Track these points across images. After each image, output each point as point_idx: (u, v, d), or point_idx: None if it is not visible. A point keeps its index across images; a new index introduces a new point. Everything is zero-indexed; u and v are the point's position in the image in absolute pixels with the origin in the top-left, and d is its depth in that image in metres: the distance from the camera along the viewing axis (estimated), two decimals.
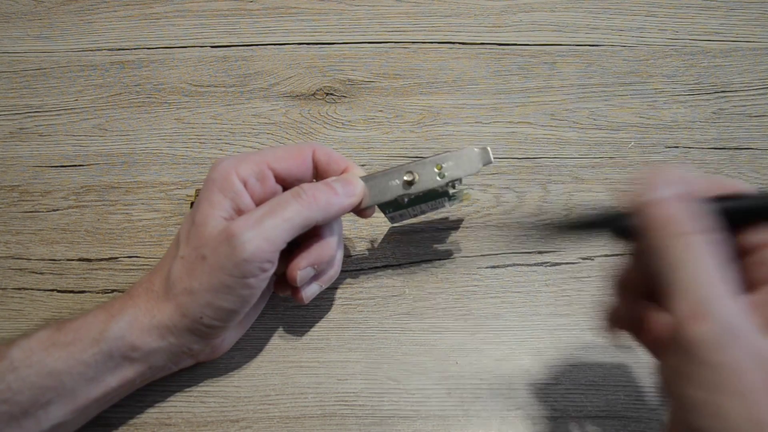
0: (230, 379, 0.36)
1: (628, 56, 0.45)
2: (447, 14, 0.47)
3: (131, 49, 0.46)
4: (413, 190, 0.33)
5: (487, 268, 0.39)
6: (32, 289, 0.39)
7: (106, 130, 0.43)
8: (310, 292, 0.33)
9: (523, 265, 0.39)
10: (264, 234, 0.29)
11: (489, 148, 0.33)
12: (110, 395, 0.31)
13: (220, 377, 0.36)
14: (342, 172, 0.33)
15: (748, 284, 0.21)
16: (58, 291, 0.38)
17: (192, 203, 0.40)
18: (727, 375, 0.19)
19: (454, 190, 0.34)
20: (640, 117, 0.43)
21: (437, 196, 0.34)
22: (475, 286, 0.38)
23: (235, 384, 0.36)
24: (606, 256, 0.39)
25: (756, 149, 0.42)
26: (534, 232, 0.34)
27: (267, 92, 0.44)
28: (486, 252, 0.39)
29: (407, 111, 0.43)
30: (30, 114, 0.44)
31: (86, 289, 0.38)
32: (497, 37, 0.46)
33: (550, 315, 0.37)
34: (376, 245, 0.39)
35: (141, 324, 0.30)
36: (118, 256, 0.39)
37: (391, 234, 0.40)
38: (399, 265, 0.39)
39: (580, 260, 0.39)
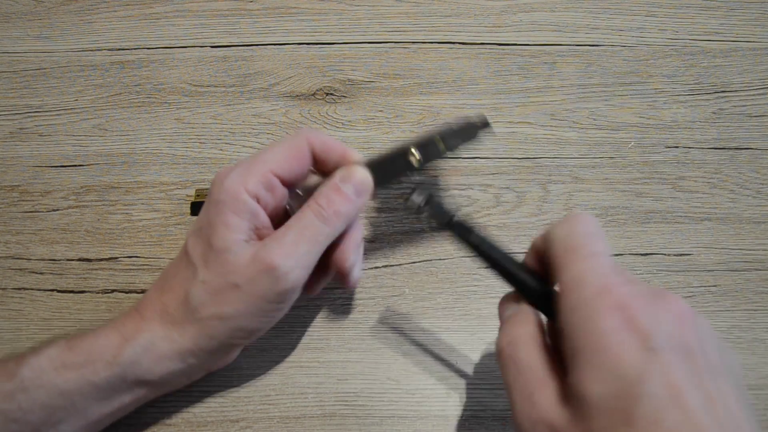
0: (230, 379, 0.36)
1: (628, 56, 0.45)
2: (447, 14, 0.47)
3: (131, 49, 0.46)
4: (417, 166, 0.33)
5: (487, 267, 0.39)
6: (32, 289, 0.39)
7: (106, 130, 0.43)
8: (358, 274, 0.34)
9: None
10: (302, 262, 0.30)
11: (484, 115, 0.33)
12: (123, 410, 0.31)
13: (220, 377, 0.36)
14: (340, 159, 0.32)
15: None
16: (58, 291, 0.38)
17: (192, 204, 0.40)
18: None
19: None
20: (640, 117, 0.43)
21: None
22: (475, 286, 0.38)
23: (235, 384, 0.36)
24: None
25: (756, 149, 0.42)
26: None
27: (267, 92, 0.44)
28: None
29: (407, 111, 0.43)
30: (30, 114, 0.44)
31: (86, 289, 0.38)
32: (497, 37, 0.46)
33: None
34: (376, 245, 0.39)
35: (159, 349, 0.30)
36: (118, 256, 0.39)
37: (391, 234, 0.40)
38: (399, 265, 0.39)
39: None
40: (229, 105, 0.44)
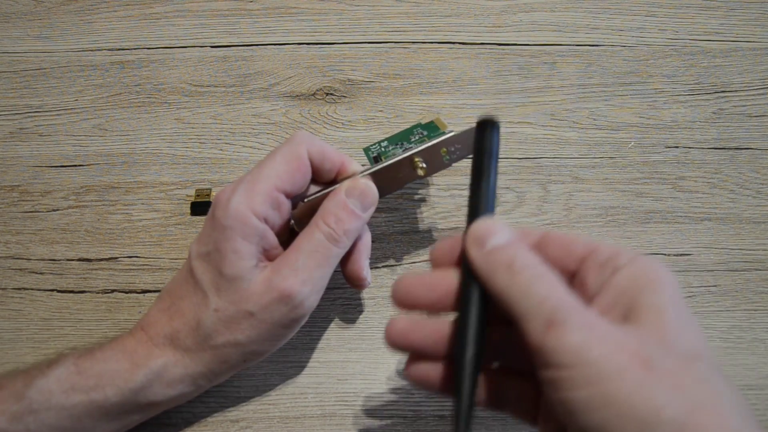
0: (230, 379, 0.36)
1: (628, 56, 0.45)
2: (447, 14, 0.47)
3: (131, 49, 0.46)
4: (423, 174, 0.32)
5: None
6: (32, 289, 0.39)
7: (106, 130, 0.43)
8: (370, 275, 0.34)
9: None
10: (316, 287, 0.30)
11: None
12: (131, 425, 0.31)
13: None
14: (338, 170, 0.32)
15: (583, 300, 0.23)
16: (58, 291, 0.38)
17: (192, 204, 0.40)
18: (602, 365, 0.20)
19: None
20: (640, 117, 0.43)
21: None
22: None
23: (235, 384, 0.36)
24: None
25: (756, 149, 0.42)
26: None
27: (267, 92, 0.44)
28: None
29: (407, 111, 0.43)
30: (30, 114, 0.44)
31: (86, 289, 0.38)
32: (497, 37, 0.46)
33: None
34: (376, 245, 0.39)
35: (171, 375, 0.30)
36: (118, 256, 0.39)
37: (391, 234, 0.40)
38: (399, 265, 0.39)
39: None
40: (229, 105, 0.44)
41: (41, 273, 0.39)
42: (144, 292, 0.38)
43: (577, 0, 0.47)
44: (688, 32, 0.46)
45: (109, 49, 0.46)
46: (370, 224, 0.39)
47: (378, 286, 0.38)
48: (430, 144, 0.32)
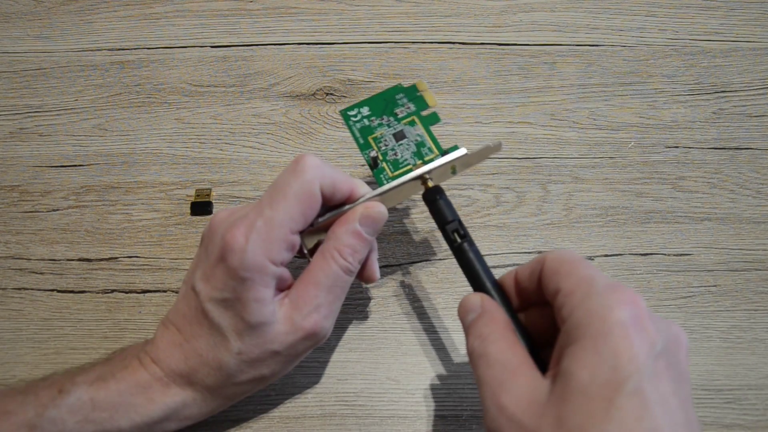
0: None
1: (628, 56, 0.45)
2: (447, 14, 0.47)
3: (131, 49, 0.46)
4: (429, 185, 0.32)
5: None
6: (32, 289, 0.39)
7: (106, 130, 0.43)
8: (378, 272, 0.34)
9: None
10: (335, 315, 0.31)
11: (501, 143, 0.32)
12: None
13: None
14: (349, 195, 0.31)
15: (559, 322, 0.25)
16: (58, 291, 0.38)
17: (192, 204, 0.40)
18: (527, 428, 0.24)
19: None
20: (640, 117, 0.43)
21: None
22: None
23: None
24: (606, 256, 0.39)
25: (756, 149, 0.42)
26: None
27: (267, 92, 0.44)
28: (486, 252, 0.39)
29: None
30: (30, 114, 0.44)
31: (86, 289, 0.38)
32: (497, 37, 0.46)
33: None
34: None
35: (189, 411, 0.30)
36: (118, 256, 0.39)
37: (391, 234, 0.40)
38: (399, 265, 0.39)
39: None
40: (229, 105, 0.44)
41: (41, 273, 0.39)
42: (144, 292, 0.38)
43: (577, 0, 0.47)
44: (688, 32, 0.46)
45: (109, 49, 0.46)
46: None
47: (378, 286, 0.38)
48: (443, 162, 0.32)
